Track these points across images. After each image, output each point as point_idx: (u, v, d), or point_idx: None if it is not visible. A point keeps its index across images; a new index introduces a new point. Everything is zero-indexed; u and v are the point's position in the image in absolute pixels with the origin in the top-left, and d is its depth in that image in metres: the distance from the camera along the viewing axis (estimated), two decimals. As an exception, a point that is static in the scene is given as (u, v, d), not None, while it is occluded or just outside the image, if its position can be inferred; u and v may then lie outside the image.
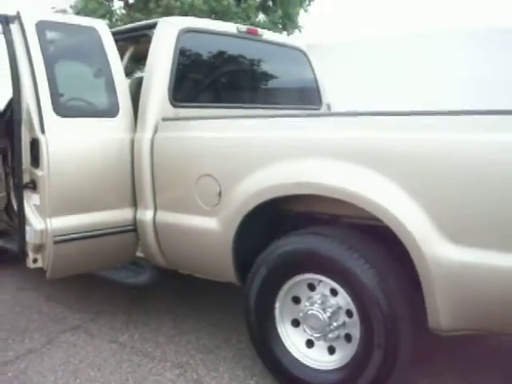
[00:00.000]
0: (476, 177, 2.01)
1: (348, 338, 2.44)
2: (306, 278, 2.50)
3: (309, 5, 13.36)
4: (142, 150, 3.02)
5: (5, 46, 2.82)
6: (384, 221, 2.18)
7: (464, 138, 2.03)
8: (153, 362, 2.93)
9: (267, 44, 3.86)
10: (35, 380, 2.74)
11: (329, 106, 4.65)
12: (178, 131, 2.94)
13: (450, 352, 2.94)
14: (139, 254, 3.27)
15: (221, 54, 3.55)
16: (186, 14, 11.17)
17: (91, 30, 3.06)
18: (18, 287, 4.09)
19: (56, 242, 2.82)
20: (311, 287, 2.53)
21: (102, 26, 3.11)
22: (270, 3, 12.89)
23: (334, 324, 2.44)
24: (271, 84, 4.03)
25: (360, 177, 2.21)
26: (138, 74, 4.31)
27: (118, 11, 12.51)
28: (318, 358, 2.52)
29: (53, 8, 11.30)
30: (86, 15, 11.74)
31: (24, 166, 2.87)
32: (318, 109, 4.34)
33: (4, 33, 2.82)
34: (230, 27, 3.56)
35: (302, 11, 13.32)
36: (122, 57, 3.53)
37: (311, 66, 4.30)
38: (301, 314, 2.55)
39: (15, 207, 3.59)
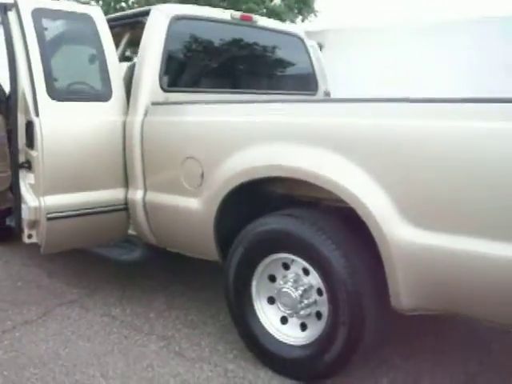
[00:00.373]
0: (435, 162, 2.09)
1: (319, 315, 2.55)
2: (280, 257, 2.62)
3: (325, -11, 13.27)
4: (132, 132, 3.16)
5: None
6: (348, 202, 2.28)
7: (422, 123, 2.11)
8: (139, 335, 3.08)
9: (262, 30, 3.94)
10: (28, 348, 2.92)
11: (327, 93, 4.72)
12: (165, 115, 3.07)
13: (427, 333, 3.04)
14: (132, 232, 3.42)
15: (212, 40, 3.64)
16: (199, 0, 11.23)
17: (86, 17, 3.18)
18: (22, 263, 4.29)
19: (49, 219, 2.98)
20: (286, 266, 2.65)
21: (97, 13, 3.23)
22: (286, -13, 12.85)
23: (305, 302, 2.55)
24: (264, 70, 4.12)
25: (324, 159, 2.32)
26: (134, 60, 4.43)
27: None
28: (291, 334, 2.65)
29: None
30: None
31: (20, 147, 3.03)
32: (314, 95, 4.41)
33: (2, 20, 2.96)
34: (223, 14, 3.65)
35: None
36: (119, 43, 3.68)
37: (308, 52, 4.37)
38: (275, 292, 2.67)
39: None
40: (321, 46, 13.85)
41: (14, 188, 3.07)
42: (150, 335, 3.08)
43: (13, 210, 4.24)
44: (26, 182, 3.05)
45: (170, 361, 2.80)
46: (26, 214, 3.01)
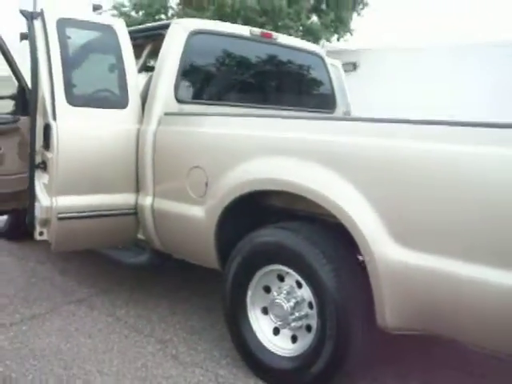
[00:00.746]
0: (423, 184, 2.13)
1: (309, 328, 2.59)
2: (274, 268, 2.68)
3: (362, 8, 13.34)
4: (145, 140, 3.28)
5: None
6: (338, 217, 2.33)
7: (412, 145, 2.16)
8: (139, 336, 3.18)
9: (281, 47, 4.03)
10: (31, 340, 3.04)
11: (347, 113, 4.78)
12: (175, 125, 3.18)
13: (418, 352, 3.04)
14: (141, 236, 3.52)
15: (229, 55, 3.75)
16: (237, 13, 11.45)
17: (109, 28, 3.33)
18: (38, 260, 4.46)
19: (60, 219, 3.11)
20: (281, 278, 2.70)
21: (119, 25, 3.38)
22: (324, 6, 12.96)
23: (296, 314, 2.60)
24: (280, 86, 4.21)
25: (315, 174, 2.39)
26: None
27: (174, 6, 12.90)
28: (281, 345, 2.69)
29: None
30: (141, 9, 12.24)
31: (37, 148, 3.18)
32: (331, 113, 4.47)
33: (28, 27, 3.13)
34: (242, 30, 3.76)
35: (354, 15, 13.31)
36: (141, 53, 3.82)
37: (327, 70, 4.44)
38: (269, 302, 2.73)
39: None
40: (355, 66, 13.92)
41: (29, 187, 3.22)
42: (150, 337, 3.17)
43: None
44: (40, 181, 3.20)
45: (165, 363, 2.88)
46: (38, 213, 3.15)
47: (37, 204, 3.18)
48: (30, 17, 3.13)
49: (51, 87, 3.06)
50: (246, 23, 10.82)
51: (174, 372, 2.79)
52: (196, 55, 3.49)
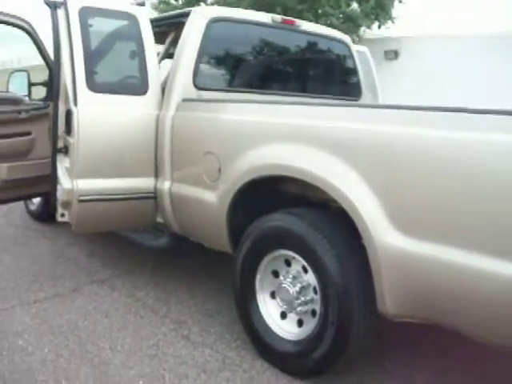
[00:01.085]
0: (425, 170, 2.11)
1: (314, 313, 2.62)
2: (282, 253, 2.71)
3: (404, -5, 13.01)
4: (164, 126, 3.35)
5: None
6: (340, 202, 2.34)
7: (414, 131, 2.14)
8: (155, 317, 3.27)
9: (304, 34, 4.02)
10: (51, 317, 3.19)
11: (374, 100, 4.73)
12: (192, 111, 3.24)
13: (423, 339, 3.02)
14: (160, 220, 3.61)
15: (249, 42, 3.77)
16: (276, 1, 11.40)
17: (131, 16, 3.40)
18: (67, 242, 4.63)
19: (80, 201, 3.22)
20: (288, 263, 2.73)
21: (141, 13, 3.44)
22: (364, -7, 12.73)
23: (302, 298, 2.63)
24: (301, 73, 4.19)
25: (320, 160, 2.40)
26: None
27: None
28: (288, 329, 2.73)
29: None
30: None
31: (60, 133, 3.30)
32: (357, 100, 4.43)
33: (52, 16, 3.24)
34: (263, 17, 3.77)
35: (396, 1, 13.00)
36: (164, 41, 3.90)
37: (353, 58, 4.40)
38: (277, 286, 2.76)
39: None
40: (396, 53, 13.62)
41: (52, 170, 3.35)
42: (165, 318, 3.26)
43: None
44: (62, 165, 3.33)
45: (176, 343, 2.96)
46: (60, 195, 3.28)
47: (59, 187, 3.31)
48: (53, 6, 3.23)
49: (73, 74, 3.16)
50: (284, 11, 10.77)
51: (184, 351, 2.87)
52: (215, 42, 3.53)
